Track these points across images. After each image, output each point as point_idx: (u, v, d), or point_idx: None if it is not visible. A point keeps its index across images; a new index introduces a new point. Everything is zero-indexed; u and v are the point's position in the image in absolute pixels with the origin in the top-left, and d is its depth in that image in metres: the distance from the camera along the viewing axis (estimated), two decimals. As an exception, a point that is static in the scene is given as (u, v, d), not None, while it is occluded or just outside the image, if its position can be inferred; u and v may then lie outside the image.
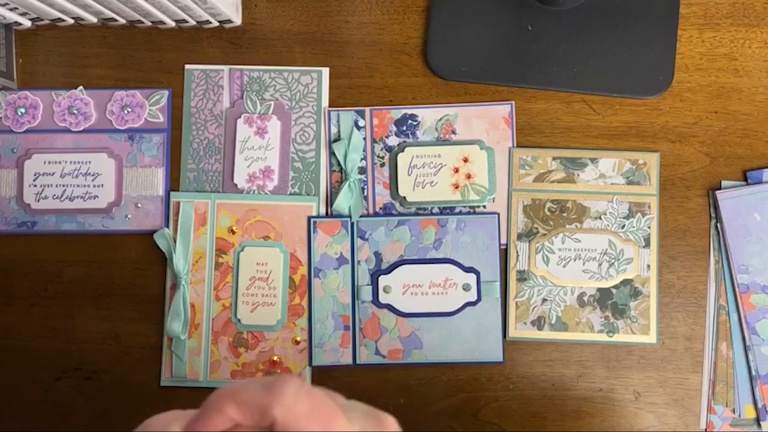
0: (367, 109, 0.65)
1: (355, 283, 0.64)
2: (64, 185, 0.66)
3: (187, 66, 0.67)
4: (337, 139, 0.65)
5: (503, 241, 0.64)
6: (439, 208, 0.64)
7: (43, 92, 0.67)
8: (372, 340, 0.63)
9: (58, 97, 0.67)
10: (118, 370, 0.65)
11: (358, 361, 0.64)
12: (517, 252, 0.63)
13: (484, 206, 0.64)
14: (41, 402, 0.66)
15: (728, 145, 0.64)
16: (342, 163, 0.64)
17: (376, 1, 0.66)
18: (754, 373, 0.61)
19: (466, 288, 0.63)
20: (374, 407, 0.33)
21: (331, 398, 0.31)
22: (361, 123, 0.65)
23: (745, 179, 0.63)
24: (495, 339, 0.63)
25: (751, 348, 0.61)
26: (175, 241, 0.65)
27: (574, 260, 0.63)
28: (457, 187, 0.64)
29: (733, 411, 0.61)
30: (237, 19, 0.66)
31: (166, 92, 0.67)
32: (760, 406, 0.61)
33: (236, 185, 0.65)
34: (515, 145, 0.64)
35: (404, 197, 0.64)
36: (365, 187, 0.65)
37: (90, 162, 0.66)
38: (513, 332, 0.63)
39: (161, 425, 0.28)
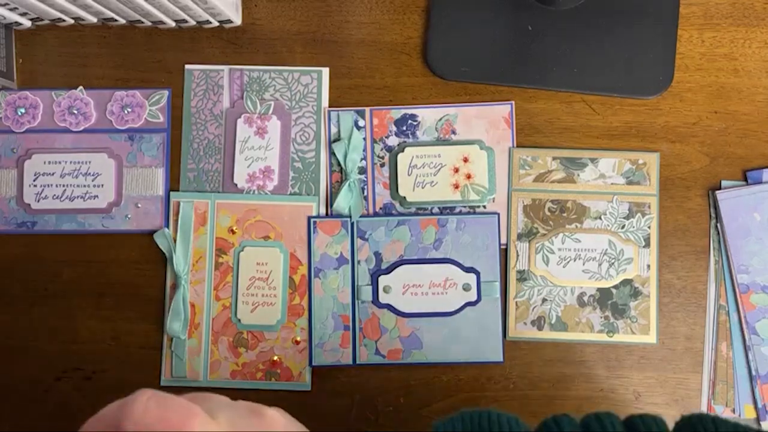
0: (367, 109, 0.65)
1: (355, 283, 0.64)
2: (64, 185, 0.66)
3: (187, 66, 0.67)
4: (337, 139, 0.65)
5: (503, 241, 0.64)
6: (439, 208, 0.64)
7: (43, 92, 0.67)
8: (372, 340, 0.63)
9: (58, 97, 0.67)
10: (118, 370, 0.65)
11: (358, 361, 0.63)
12: (517, 252, 0.63)
13: (484, 206, 0.64)
14: (41, 402, 0.66)
15: (728, 145, 0.64)
16: (342, 163, 0.64)
17: (376, 1, 0.66)
18: (754, 373, 0.61)
19: (466, 288, 0.63)
20: (258, 404, 0.33)
21: (204, 400, 0.32)
22: (361, 123, 0.65)
23: (745, 179, 0.63)
24: (495, 339, 0.63)
25: (751, 348, 0.61)
26: (175, 241, 0.65)
27: (574, 260, 0.63)
28: (457, 187, 0.64)
29: (733, 411, 0.61)
30: (237, 19, 0.66)
31: (166, 92, 0.67)
32: (760, 406, 0.61)
33: (236, 185, 0.65)
34: (515, 145, 0.64)
35: (404, 197, 0.64)
36: (365, 187, 0.65)
37: (90, 162, 0.66)
38: (513, 332, 0.63)
39: None
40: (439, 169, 0.64)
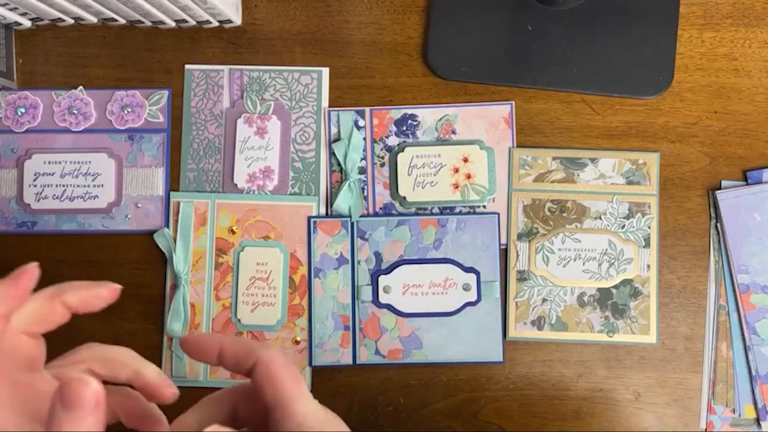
0: (367, 109, 0.65)
1: (355, 283, 0.64)
2: (64, 185, 0.66)
3: (187, 66, 0.67)
4: (337, 139, 0.65)
5: (503, 241, 0.64)
6: (439, 208, 0.64)
7: (43, 92, 0.67)
8: (372, 340, 0.63)
9: (58, 97, 0.67)
10: (118, 370, 0.65)
11: (358, 361, 0.64)
12: (517, 252, 0.63)
13: (484, 206, 0.64)
14: (41, 402, 0.65)
15: (728, 145, 0.64)
16: (342, 163, 0.64)
17: (376, 1, 0.66)
18: (754, 373, 0.61)
19: (466, 288, 0.63)
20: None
21: None
22: (361, 123, 0.65)
23: (745, 179, 0.63)
24: (495, 339, 0.63)
25: (751, 348, 0.61)
26: (175, 241, 0.65)
27: (574, 260, 0.63)
28: (457, 187, 0.64)
29: (733, 411, 0.61)
30: (237, 19, 0.66)
31: (166, 92, 0.67)
32: (760, 406, 0.61)
33: (236, 185, 0.65)
34: (515, 145, 0.64)
35: (404, 197, 0.64)
36: (365, 187, 0.65)
37: (90, 162, 0.66)
38: (513, 332, 0.63)
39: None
40: (439, 169, 0.64)
